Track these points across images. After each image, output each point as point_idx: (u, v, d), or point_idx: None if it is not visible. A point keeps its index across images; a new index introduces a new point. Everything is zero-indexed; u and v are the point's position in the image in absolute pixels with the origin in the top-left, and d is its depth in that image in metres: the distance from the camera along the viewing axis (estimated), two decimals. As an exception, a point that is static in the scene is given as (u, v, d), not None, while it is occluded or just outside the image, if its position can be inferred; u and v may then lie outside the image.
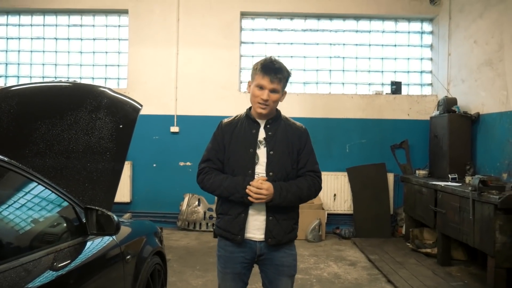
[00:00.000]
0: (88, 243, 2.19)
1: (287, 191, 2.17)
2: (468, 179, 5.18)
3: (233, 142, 2.27)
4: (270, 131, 2.27)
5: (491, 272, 4.03)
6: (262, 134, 2.27)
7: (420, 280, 4.49)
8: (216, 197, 2.36)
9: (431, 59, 7.25)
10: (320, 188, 2.32)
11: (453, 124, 5.90)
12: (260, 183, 2.13)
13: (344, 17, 7.23)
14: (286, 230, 2.24)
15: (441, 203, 5.06)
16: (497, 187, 4.17)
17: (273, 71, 2.18)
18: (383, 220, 6.63)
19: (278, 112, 2.35)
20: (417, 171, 6.43)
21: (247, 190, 2.13)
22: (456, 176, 5.47)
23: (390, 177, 6.83)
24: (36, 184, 1.98)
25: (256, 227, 2.22)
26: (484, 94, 5.64)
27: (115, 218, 2.20)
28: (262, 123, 2.29)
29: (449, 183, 5.14)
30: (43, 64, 7.40)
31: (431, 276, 4.66)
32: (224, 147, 2.29)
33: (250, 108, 2.35)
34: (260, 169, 2.22)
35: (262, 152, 2.24)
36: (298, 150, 2.29)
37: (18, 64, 7.42)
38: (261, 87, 2.19)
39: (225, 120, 2.38)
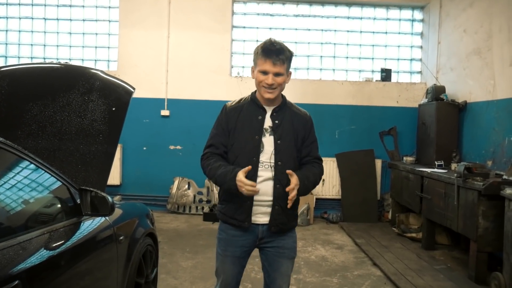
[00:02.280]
0: (83, 224, 2.23)
1: (308, 180, 2.18)
2: (454, 166, 5.30)
3: (238, 128, 2.22)
4: (277, 120, 2.22)
5: (473, 256, 4.17)
6: (268, 122, 2.22)
7: (405, 263, 4.62)
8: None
9: (421, 47, 7.31)
10: (322, 176, 2.35)
11: (441, 112, 5.99)
12: (253, 187, 2.05)
13: (336, 3, 7.23)
14: (289, 219, 2.25)
15: (427, 189, 5.17)
16: (482, 174, 4.27)
17: (274, 53, 2.12)
18: (370, 205, 6.75)
19: (284, 98, 2.30)
20: (404, 158, 6.54)
21: (239, 183, 2.05)
22: (442, 163, 5.59)
23: (378, 163, 6.94)
24: (31, 164, 2.00)
25: (261, 211, 2.19)
26: (472, 83, 5.73)
27: (110, 199, 2.23)
28: (269, 110, 2.24)
29: (435, 170, 5.25)
30: (31, 45, 7.30)
31: (415, 259, 4.79)
32: (228, 133, 2.24)
33: (255, 91, 2.29)
34: (265, 157, 2.18)
35: (267, 140, 2.19)
36: (303, 138, 2.26)
37: (6, 44, 7.31)
38: (264, 72, 2.14)
39: (229, 104, 2.31)
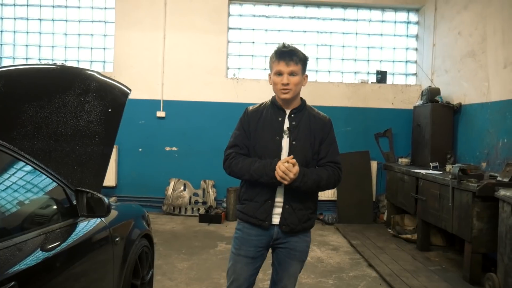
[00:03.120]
0: (79, 225, 2.22)
1: (307, 177, 2.17)
2: (448, 167, 5.33)
3: (259, 129, 2.28)
4: (294, 121, 2.27)
5: (468, 257, 4.19)
6: (286, 123, 2.28)
7: (400, 264, 4.63)
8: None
9: (416, 49, 7.35)
10: (339, 179, 2.32)
11: (436, 114, 6.02)
12: (289, 165, 2.11)
13: (331, 5, 7.26)
14: (301, 220, 2.26)
15: (422, 190, 5.20)
16: (476, 176, 4.30)
17: (287, 54, 2.20)
18: (365, 206, 6.77)
19: (303, 101, 2.35)
20: (399, 159, 6.57)
21: (276, 167, 2.12)
22: (437, 164, 5.62)
23: (374, 164, 6.96)
24: (27, 166, 2.00)
25: (277, 212, 2.25)
26: (467, 85, 5.77)
27: (106, 200, 2.23)
28: (288, 112, 2.29)
29: (430, 171, 5.28)
30: (26, 46, 7.29)
31: (410, 260, 4.81)
32: (250, 134, 2.30)
33: (274, 96, 2.35)
34: (282, 158, 2.22)
35: (285, 142, 2.25)
36: (320, 141, 2.30)
37: (1, 44, 7.29)
38: (279, 73, 2.21)
39: (251, 107, 2.39)
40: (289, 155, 2.21)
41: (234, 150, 2.30)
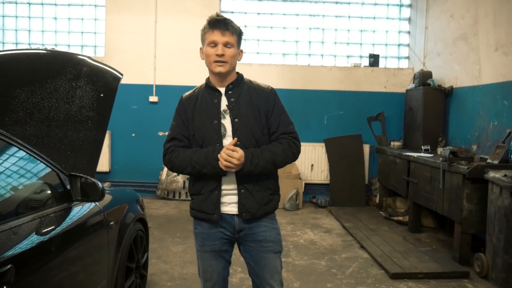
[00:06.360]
0: (73, 209, 2.24)
1: (258, 158, 1.97)
2: (440, 150, 5.38)
3: (196, 116, 2.07)
4: (232, 97, 2.06)
5: (458, 237, 4.27)
6: (224, 102, 2.07)
7: (391, 245, 4.71)
8: (188, 177, 2.20)
9: (409, 32, 7.34)
10: (298, 151, 2.10)
11: (427, 97, 6.06)
12: (231, 149, 1.92)
13: (324, -12, 7.21)
14: (261, 202, 2.04)
15: (414, 173, 5.26)
16: (466, 158, 4.36)
17: (222, 23, 2.01)
18: (358, 189, 6.84)
19: (239, 75, 2.13)
20: (392, 143, 6.62)
21: (218, 156, 1.93)
22: (429, 147, 5.68)
23: (366, 148, 7.01)
24: (20, 151, 2.01)
25: (232, 200, 2.04)
26: (458, 68, 5.79)
27: (100, 184, 2.25)
28: (223, 90, 2.08)
29: (422, 154, 5.34)
30: (16, 30, 7.19)
31: (401, 242, 4.90)
32: (188, 123, 2.09)
33: (208, 78, 2.15)
34: (228, 140, 2.02)
35: (228, 122, 2.04)
36: (267, 113, 2.08)
37: (-10, 29, 7.19)
38: (214, 44, 2.01)
39: (185, 94, 2.19)
40: (233, 134, 2.02)
41: (173, 144, 2.10)
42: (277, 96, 2.14)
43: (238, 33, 2.06)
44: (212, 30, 2.01)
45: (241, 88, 2.10)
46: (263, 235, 2.08)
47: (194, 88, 2.20)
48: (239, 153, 1.93)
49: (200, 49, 2.13)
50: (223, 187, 2.03)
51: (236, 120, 2.03)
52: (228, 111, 2.05)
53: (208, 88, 2.11)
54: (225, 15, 2.14)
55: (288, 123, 2.12)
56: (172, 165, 2.07)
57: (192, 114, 2.09)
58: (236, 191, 2.03)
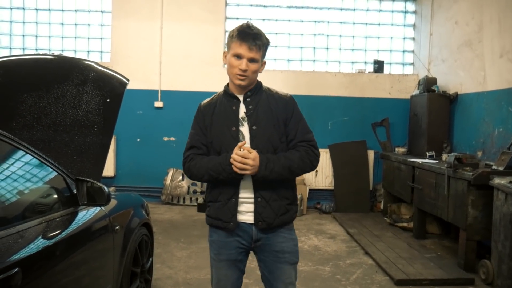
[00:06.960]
0: (79, 214, 2.26)
1: (274, 163, 1.94)
2: (444, 156, 5.37)
3: (214, 123, 2.05)
4: (251, 105, 2.04)
5: (463, 244, 4.25)
6: (242, 109, 2.05)
7: (396, 252, 4.70)
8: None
9: (414, 38, 7.35)
10: (316, 159, 2.06)
11: (432, 103, 6.05)
12: (247, 150, 1.91)
13: (329, -6, 7.25)
14: (277, 212, 2.01)
15: (418, 179, 5.25)
16: (471, 164, 4.35)
17: (251, 37, 1.95)
18: (362, 195, 6.83)
19: (258, 83, 2.11)
20: (396, 149, 6.61)
21: (231, 160, 1.91)
22: (434, 153, 5.66)
23: (371, 154, 7.00)
24: (28, 155, 2.03)
25: (249, 209, 2.01)
26: (463, 74, 5.79)
27: (106, 189, 2.26)
28: (242, 97, 2.06)
29: (427, 160, 5.32)
30: (23, 36, 7.25)
31: (406, 248, 4.88)
32: (206, 130, 2.07)
33: (227, 84, 2.12)
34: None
35: (246, 129, 2.02)
36: (285, 121, 2.05)
37: (-2, 35, 7.26)
38: (238, 56, 1.97)
39: (204, 101, 2.15)
40: (250, 141, 1.99)
41: (192, 152, 2.08)
42: (295, 104, 2.12)
43: (265, 47, 2.03)
44: (240, 43, 1.96)
45: (259, 95, 2.08)
46: (280, 245, 2.05)
47: (213, 96, 2.17)
48: (253, 153, 1.91)
49: (224, 53, 2.09)
50: (241, 195, 2.01)
51: (254, 127, 2.02)
52: (246, 118, 2.04)
53: (227, 95, 2.09)
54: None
55: (306, 131, 2.09)
56: (191, 173, 2.07)
57: (210, 121, 2.07)
58: (253, 200, 2.01)
